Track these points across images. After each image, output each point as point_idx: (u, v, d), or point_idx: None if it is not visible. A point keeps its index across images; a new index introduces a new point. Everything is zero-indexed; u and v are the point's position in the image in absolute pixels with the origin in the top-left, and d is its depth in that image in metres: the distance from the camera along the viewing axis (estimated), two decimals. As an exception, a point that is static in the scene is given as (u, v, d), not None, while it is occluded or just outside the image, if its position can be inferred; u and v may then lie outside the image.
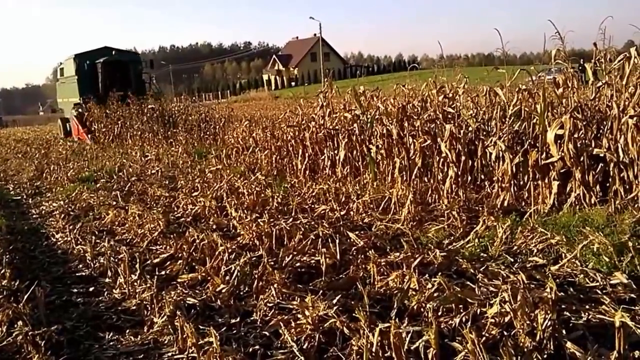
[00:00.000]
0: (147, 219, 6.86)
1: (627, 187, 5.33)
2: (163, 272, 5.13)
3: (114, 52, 24.26)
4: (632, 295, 3.74)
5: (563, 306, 3.52)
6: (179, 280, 4.86)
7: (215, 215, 7.02)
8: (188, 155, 13.41)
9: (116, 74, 23.65)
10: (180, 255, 5.40)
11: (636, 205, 5.16)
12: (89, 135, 21.13)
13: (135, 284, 4.78)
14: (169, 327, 3.82)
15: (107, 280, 5.14)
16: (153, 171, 11.67)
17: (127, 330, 4.01)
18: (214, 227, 6.43)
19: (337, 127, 8.91)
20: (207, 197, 7.72)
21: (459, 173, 6.74)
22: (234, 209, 6.86)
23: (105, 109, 21.18)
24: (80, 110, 22.96)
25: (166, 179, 10.47)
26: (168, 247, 5.79)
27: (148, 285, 4.59)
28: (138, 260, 5.21)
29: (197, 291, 4.54)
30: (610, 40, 6.14)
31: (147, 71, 26.50)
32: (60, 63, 27.51)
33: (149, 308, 4.25)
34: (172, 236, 6.08)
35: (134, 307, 4.40)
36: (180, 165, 12.17)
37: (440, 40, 9.31)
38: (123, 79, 23.81)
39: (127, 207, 7.69)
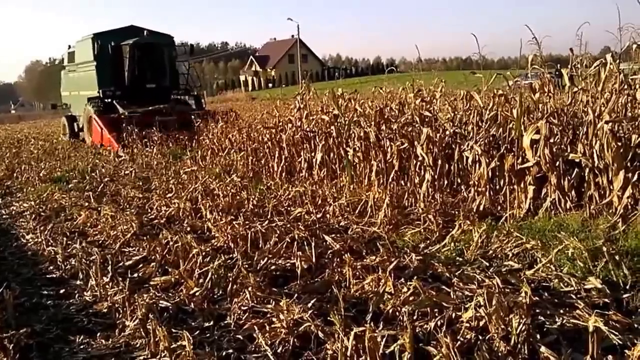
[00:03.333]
0: (120, 220, 6.73)
1: (602, 192, 5.39)
2: (136, 275, 5.02)
3: (145, 33, 18.79)
4: (606, 300, 3.78)
5: (538, 311, 3.54)
6: (151, 283, 4.77)
7: (189, 217, 6.93)
8: (163, 156, 13.23)
9: (147, 60, 18.56)
10: (153, 257, 5.31)
11: (611, 211, 5.21)
12: (120, 142, 15.63)
13: (107, 286, 4.67)
14: (141, 330, 3.74)
15: (78, 282, 5.03)
16: (127, 172, 11.49)
17: (99, 334, 3.91)
18: (189, 229, 6.34)
19: (314, 130, 8.88)
20: (181, 198, 7.62)
21: (436, 177, 6.76)
22: (209, 211, 6.77)
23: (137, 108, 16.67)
24: (100, 106, 17.66)
25: (140, 180, 10.30)
26: (141, 249, 5.68)
27: (120, 287, 4.49)
28: (110, 263, 5.11)
29: (170, 294, 4.46)
30: (586, 46, 6.24)
31: (183, 59, 20.69)
32: (70, 46, 21.60)
33: (121, 311, 4.16)
34: (145, 238, 5.98)
35: (106, 310, 4.31)
36: (155, 166, 12.00)
37: (419, 44, 9.36)
38: (156, 67, 18.79)
39: (99, 208, 7.54)
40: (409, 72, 10.66)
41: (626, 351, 2.91)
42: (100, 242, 6.32)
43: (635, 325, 3.36)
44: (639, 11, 5.42)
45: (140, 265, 5.26)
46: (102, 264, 5.04)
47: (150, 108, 16.62)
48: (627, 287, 4.01)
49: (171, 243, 5.37)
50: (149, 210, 7.56)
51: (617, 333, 3.14)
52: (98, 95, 18.06)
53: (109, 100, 17.90)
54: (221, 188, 8.13)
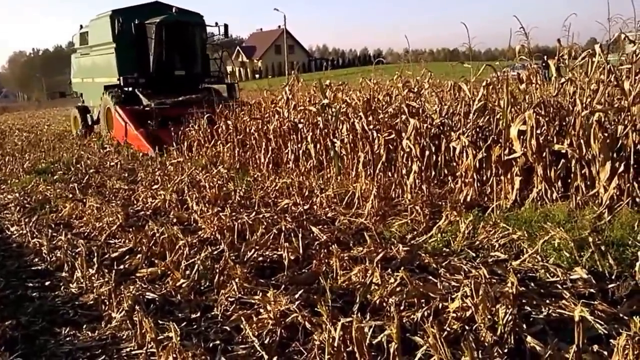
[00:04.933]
0: (106, 212, 6.67)
1: (589, 183, 5.42)
2: (122, 267, 4.97)
3: (174, 10, 15.78)
4: (592, 290, 3.80)
5: (524, 301, 3.55)
6: (138, 274, 4.73)
7: (176, 208, 6.88)
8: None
9: (177, 43, 15.45)
10: (139, 249, 5.27)
11: (597, 201, 5.26)
12: (152, 142, 12.58)
13: (93, 278, 4.63)
14: (128, 322, 3.72)
15: (63, 274, 4.97)
16: (112, 163, 11.38)
17: (85, 326, 3.89)
18: (175, 220, 6.30)
19: (301, 121, 8.84)
20: (167, 190, 7.56)
21: (423, 168, 6.77)
22: (195, 203, 6.74)
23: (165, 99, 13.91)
24: (121, 96, 14.95)
25: (125, 172, 10.23)
26: (127, 240, 5.63)
27: (106, 279, 4.46)
28: (96, 254, 5.05)
29: (156, 286, 4.43)
30: (574, 37, 6.24)
31: (215, 41, 17.61)
32: (82, 26, 18.56)
33: (107, 303, 4.13)
34: (131, 230, 5.92)
35: (92, 302, 4.28)
36: (140, 157, 11.89)
37: (408, 35, 9.31)
38: (186, 51, 15.78)
39: (84, 200, 7.46)
40: (397, 63, 10.61)
41: (611, 341, 2.93)
42: (86, 234, 6.25)
43: (621, 315, 3.38)
44: (628, 4, 5.43)
45: (127, 257, 5.21)
46: (88, 255, 4.99)
47: (181, 98, 13.90)
48: (613, 277, 4.04)
49: (157, 235, 5.32)
50: (135, 202, 7.49)
51: (602, 323, 3.18)
52: (118, 83, 15.33)
53: (130, 89, 15.28)
54: (207, 179, 8.09)
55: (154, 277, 4.62)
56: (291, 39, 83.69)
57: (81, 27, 18.55)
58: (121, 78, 15.22)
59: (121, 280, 4.49)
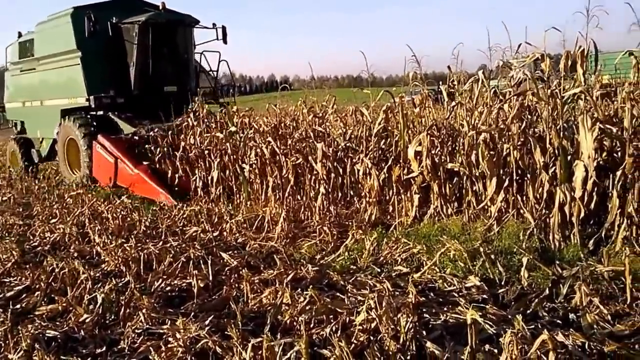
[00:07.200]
0: (-1, 249, 6.28)
1: (480, 198, 5.85)
2: (18, 306, 4.71)
3: (161, 7, 11.88)
4: (484, 295, 4.13)
5: (424, 310, 3.79)
6: (36, 313, 4.49)
7: (76, 242, 6.60)
8: (45, 180, 12.39)
9: (166, 50, 11.82)
10: (37, 286, 5.00)
11: (487, 214, 5.68)
12: (164, 185, 9.16)
13: (-14, 320, 4.34)
14: (26, 362, 3.54)
15: (-47, 317, 4.62)
16: (4, 198, 10.67)
17: (-21, 370, 3.65)
18: (76, 254, 6.04)
19: (209, 147, 8.82)
20: (67, 223, 7.26)
21: (330, 190, 6.99)
22: (98, 235, 6.52)
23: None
24: (91, 123, 11.21)
25: (20, 206, 9.63)
26: (24, 278, 5.33)
27: (1, 319, 4.20)
28: (-11, 295, 4.76)
29: (57, 323, 4.22)
30: (462, 64, 6.74)
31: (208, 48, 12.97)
32: (21, 34, 14.17)
33: (4, 344, 3.89)
34: (28, 266, 5.64)
35: (-13, 345, 4.01)
36: (36, 190, 11.24)
37: (311, 62, 9.56)
38: (178, 61, 12.17)
39: (-26, 238, 6.97)
40: (302, 89, 10.77)
41: (501, 340, 3.19)
42: (-23, 273, 5.85)
43: (509, 317, 3.69)
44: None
45: (24, 296, 4.93)
46: (-20, 296, 4.69)
47: (178, 122, 10.04)
48: (502, 283, 4.40)
49: (57, 270, 5.11)
50: (31, 238, 7.09)
51: (493, 325, 3.46)
52: (85, 104, 11.39)
53: (101, 112, 11.53)
54: (110, 211, 7.84)
55: (54, 314, 4.41)
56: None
57: (20, 35, 14.17)
58: (91, 98, 11.21)
59: (18, 320, 4.25)
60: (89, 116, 11.38)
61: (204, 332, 3.53)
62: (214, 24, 12.59)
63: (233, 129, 8.43)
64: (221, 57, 12.74)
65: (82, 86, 11.36)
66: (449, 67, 6.85)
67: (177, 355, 3.41)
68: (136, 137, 10.37)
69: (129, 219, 7.37)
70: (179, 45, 12.17)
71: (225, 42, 12.64)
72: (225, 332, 3.51)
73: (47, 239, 6.83)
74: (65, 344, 3.89)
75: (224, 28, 12.61)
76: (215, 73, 12.99)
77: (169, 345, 3.52)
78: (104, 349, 3.76)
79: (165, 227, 6.80)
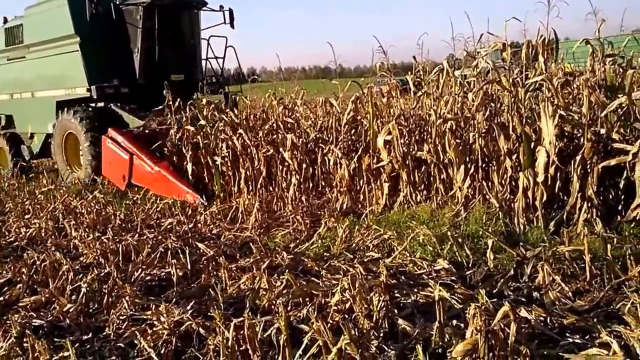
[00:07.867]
0: (-26, 245, 6.25)
1: (447, 185, 6.07)
2: (1, 298, 4.74)
3: None
4: (453, 277, 4.32)
5: (395, 291, 3.98)
6: (20, 304, 4.52)
7: (53, 236, 6.60)
8: (14, 177, 12.16)
9: (173, 35, 10.87)
10: (19, 279, 5.03)
11: (454, 200, 5.90)
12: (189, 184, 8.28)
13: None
14: (17, 348, 3.59)
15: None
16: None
17: (-30, 360, 3.70)
18: (53, 248, 6.06)
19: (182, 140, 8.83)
20: (41, 218, 7.24)
21: (302, 180, 7.15)
22: (74, 229, 6.55)
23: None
24: (92, 116, 10.17)
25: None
26: (4, 272, 5.35)
27: (-14, 311, 4.25)
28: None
29: (42, 313, 4.28)
30: (429, 53, 6.93)
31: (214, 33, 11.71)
32: (6, 19, 13.01)
33: (-7, 334, 3.94)
34: (8, 260, 5.66)
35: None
36: (6, 187, 11.08)
37: (279, 53, 9.61)
38: (185, 47, 11.28)
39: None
40: (270, 81, 10.64)
41: (467, 315, 3.41)
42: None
43: (476, 296, 3.89)
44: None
45: (6, 288, 4.95)
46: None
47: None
48: (470, 265, 4.62)
49: (38, 262, 5.15)
50: (7, 233, 7.06)
51: (461, 303, 3.67)
52: (85, 96, 10.45)
53: (103, 103, 10.56)
54: (84, 205, 7.84)
55: (38, 305, 4.46)
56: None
57: (6, 20, 12.93)
58: (92, 88, 10.25)
59: (3, 311, 4.31)
60: (90, 108, 10.41)
61: (187, 316, 3.66)
62: (221, 6, 11.47)
63: (202, 122, 8.46)
64: (228, 42, 11.51)
65: (81, 75, 10.38)
66: (414, 57, 7.05)
67: (163, 338, 3.52)
68: (147, 131, 9.36)
69: (103, 213, 7.40)
70: (186, 30, 11.23)
71: (232, 26, 11.54)
72: (208, 314, 3.65)
73: (23, 234, 6.82)
74: (52, 332, 3.97)
75: (231, 11, 11.46)
76: (222, 60, 11.80)
77: (154, 329, 3.63)
78: (90, 335, 3.84)
79: (140, 220, 6.86)
